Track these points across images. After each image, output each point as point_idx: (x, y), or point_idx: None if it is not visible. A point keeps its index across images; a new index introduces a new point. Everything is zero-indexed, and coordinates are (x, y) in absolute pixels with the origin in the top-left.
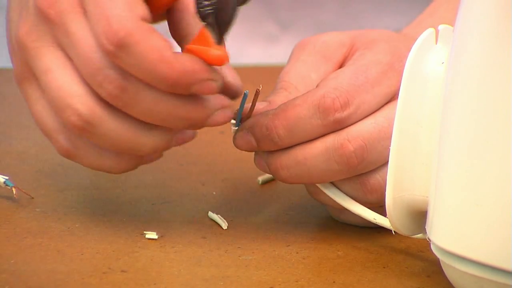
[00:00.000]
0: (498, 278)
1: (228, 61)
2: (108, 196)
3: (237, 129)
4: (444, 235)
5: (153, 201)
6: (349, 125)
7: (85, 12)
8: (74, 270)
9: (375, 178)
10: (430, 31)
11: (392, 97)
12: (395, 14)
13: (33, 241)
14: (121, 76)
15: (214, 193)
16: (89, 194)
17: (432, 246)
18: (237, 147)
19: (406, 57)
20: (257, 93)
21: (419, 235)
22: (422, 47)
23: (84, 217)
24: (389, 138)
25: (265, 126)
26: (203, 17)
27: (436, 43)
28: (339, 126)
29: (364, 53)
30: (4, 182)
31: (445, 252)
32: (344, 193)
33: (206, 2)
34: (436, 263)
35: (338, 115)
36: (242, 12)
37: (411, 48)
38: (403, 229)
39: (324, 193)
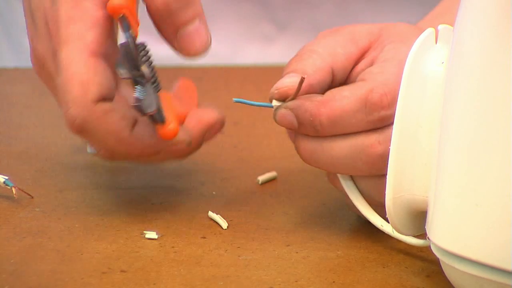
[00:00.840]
0: (498, 278)
1: (175, 136)
2: (107, 196)
3: (279, 106)
4: (444, 235)
5: (153, 201)
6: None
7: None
8: (73, 270)
9: None
10: (430, 31)
11: None
12: (392, 15)
13: (33, 241)
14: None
15: (214, 193)
16: (89, 194)
17: (431, 246)
18: (277, 123)
19: None
20: (301, 81)
21: (420, 242)
22: (422, 47)
23: (84, 217)
24: None
25: (309, 112)
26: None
27: (436, 43)
28: (382, 124)
29: (397, 46)
30: (4, 182)
31: (445, 252)
32: (359, 188)
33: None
34: (436, 263)
35: (383, 112)
36: (239, 12)
37: None
38: (403, 229)
39: (339, 182)
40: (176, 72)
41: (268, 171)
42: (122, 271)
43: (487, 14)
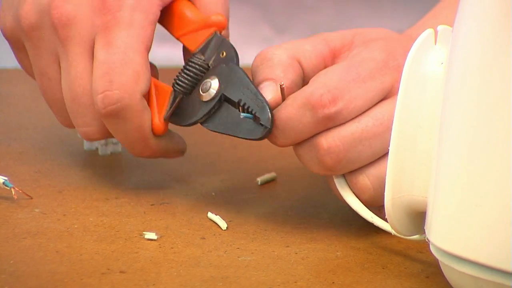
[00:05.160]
0: (497, 279)
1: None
2: (107, 197)
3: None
4: (443, 236)
5: (152, 202)
6: (345, 122)
7: (92, 52)
8: (73, 271)
9: (363, 179)
10: (429, 31)
11: (386, 95)
12: (390, 19)
13: (32, 242)
14: (102, 129)
15: (213, 193)
16: (88, 195)
17: (431, 247)
18: None
19: (401, 56)
20: (282, 88)
21: (417, 236)
22: (422, 47)
23: (83, 218)
24: (372, 138)
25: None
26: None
27: (435, 44)
28: (330, 122)
29: (360, 51)
30: (3, 183)
31: (444, 253)
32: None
33: (180, 84)
34: (435, 264)
35: (326, 110)
36: (238, 15)
37: (408, 48)
38: (402, 230)
39: (332, 182)
40: (173, 72)
41: (268, 172)
42: (121, 271)
43: (486, 14)
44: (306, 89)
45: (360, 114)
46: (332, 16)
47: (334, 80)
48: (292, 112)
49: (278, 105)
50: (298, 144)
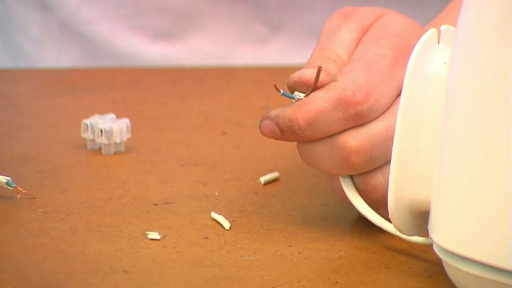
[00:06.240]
0: (500, 278)
1: None
2: (110, 196)
3: (262, 117)
4: (446, 235)
5: (155, 202)
6: (371, 119)
7: None
8: (76, 270)
9: (377, 178)
10: (432, 31)
11: (400, 92)
12: None
13: (35, 242)
14: None
15: (216, 193)
16: (91, 195)
17: (434, 246)
18: (262, 134)
19: (410, 54)
20: (319, 70)
21: (421, 239)
22: (425, 47)
23: (86, 218)
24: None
25: (288, 118)
26: None
27: (438, 43)
28: (360, 119)
29: (368, 46)
30: (6, 183)
31: (447, 252)
32: (357, 186)
33: None
34: (438, 263)
35: (359, 107)
36: (232, 13)
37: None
38: (405, 230)
39: (336, 183)
40: (176, 72)
41: (271, 171)
42: (124, 271)
43: (489, 14)
44: (337, 84)
45: (384, 112)
46: (326, 13)
47: (362, 77)
48: (323, 106)
49: (303, 84)
50: (316, 142)
